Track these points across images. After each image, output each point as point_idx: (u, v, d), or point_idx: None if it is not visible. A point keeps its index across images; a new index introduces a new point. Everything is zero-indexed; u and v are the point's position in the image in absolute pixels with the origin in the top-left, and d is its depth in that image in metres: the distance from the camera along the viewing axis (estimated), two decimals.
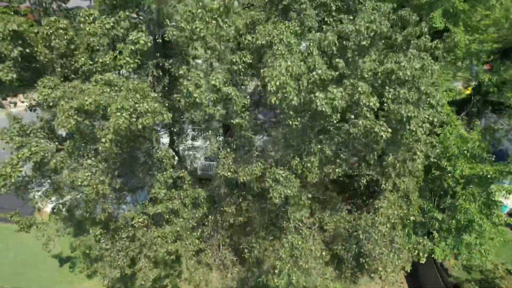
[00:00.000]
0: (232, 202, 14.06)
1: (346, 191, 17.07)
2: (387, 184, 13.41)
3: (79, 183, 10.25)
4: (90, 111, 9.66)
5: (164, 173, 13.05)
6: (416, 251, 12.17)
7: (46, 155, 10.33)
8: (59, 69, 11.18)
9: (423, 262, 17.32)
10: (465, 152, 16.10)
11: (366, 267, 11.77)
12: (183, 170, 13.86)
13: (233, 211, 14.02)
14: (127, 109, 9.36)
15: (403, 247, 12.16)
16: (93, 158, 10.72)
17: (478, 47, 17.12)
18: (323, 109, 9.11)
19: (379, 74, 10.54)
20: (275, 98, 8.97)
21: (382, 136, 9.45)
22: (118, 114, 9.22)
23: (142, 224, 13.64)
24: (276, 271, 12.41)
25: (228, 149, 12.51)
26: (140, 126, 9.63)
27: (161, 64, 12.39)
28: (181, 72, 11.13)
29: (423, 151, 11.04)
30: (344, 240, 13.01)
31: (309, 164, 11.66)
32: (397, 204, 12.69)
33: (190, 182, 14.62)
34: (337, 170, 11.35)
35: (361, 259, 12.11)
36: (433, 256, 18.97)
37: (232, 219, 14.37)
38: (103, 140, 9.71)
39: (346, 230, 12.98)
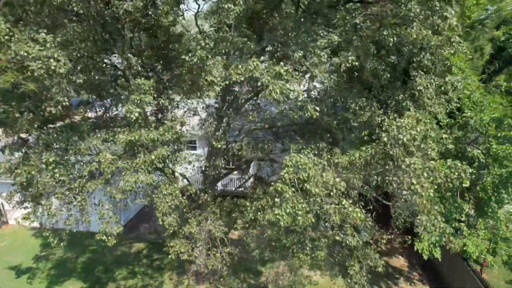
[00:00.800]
0: (222, 136, 11.48)
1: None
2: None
3: (24, 54, 7.98)
4: None
5: (142, 95, 10.84)
6: (456, 173, 9.41)
7: None
8: None
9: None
10: (489, 100, 14.11)
11: (395, 185, 8.92)
12: (165, 98, 11.61)
13: (224, 148, 11.41)
14: None
15: (437, 168, 9.42)
16: (50, 37, 8.64)
17: None
18: None
19: None
20: None
21: None
22: None
23: (110, 163, 10.89)
24: (277, 200, 9.46)
25: (219, 57, 10.47)
26: None
27: None
28: None
29: (457, 11, 9.05)
30: (362, 169, 10.22)
31: (315, 59, 9.61)
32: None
33: (174, 119, 12.28)
34: (350, 57, 9.24)
35: (386, 178, 9.30)
36: (465, 248, 15.85)
37: (223, 163, 11.65)
38: None
39: (364, 160, 10.28)
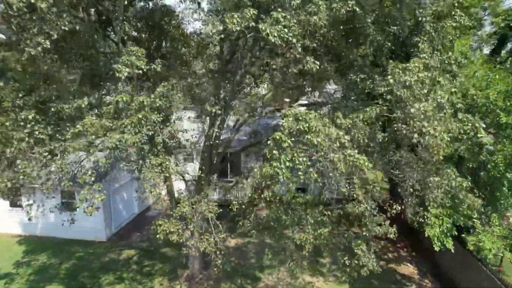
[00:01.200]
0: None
1: None
2: None
3: None
4: None
5: (134, 58, 10.29)
6: (470, 124, 8.61)
7: None
8: None
9: None
10: (496, 77, 13.57)
11: (405, 132, 8.09)
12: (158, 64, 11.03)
13: (219, 113, 10.66)
14: None
15: (450, 119, 8.65)
16: None
17: None
18: None
19: None
20: None
21: None
22: None
23: (92, 123, 10.06)
24: (275, 152, 8.58)
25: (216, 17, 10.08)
26: None
27: None
28: None
29: None
30: (367, 127, 9.42)
31: (313, 6, 9.17)
32: None
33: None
34: (349, 2, 8.80)
35: (395, 125, 8.49)
36: (480, 245, 14.70)
37: (217, 131, 10.83)
38: None
39: (369, 119, 9.53)
